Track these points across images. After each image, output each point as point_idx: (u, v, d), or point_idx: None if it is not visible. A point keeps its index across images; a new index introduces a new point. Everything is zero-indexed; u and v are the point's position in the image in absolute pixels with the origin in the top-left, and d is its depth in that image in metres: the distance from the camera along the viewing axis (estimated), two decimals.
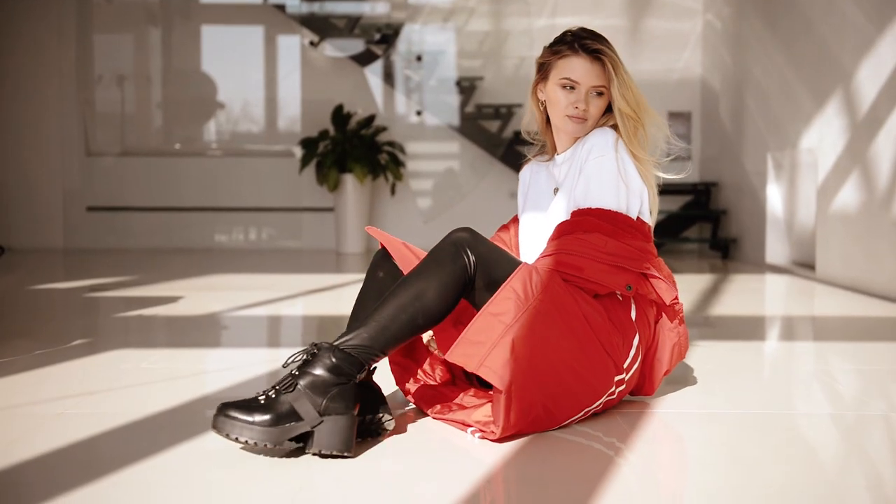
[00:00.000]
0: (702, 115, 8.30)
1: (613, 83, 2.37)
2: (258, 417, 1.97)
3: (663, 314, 2.43)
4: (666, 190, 8.05)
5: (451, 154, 8.49)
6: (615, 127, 2.42)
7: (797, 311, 4.76)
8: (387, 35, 8.24)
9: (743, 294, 5.22)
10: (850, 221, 5.32)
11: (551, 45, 2.48)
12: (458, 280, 2.16)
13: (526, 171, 2.67)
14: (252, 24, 8.50)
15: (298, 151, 8.17)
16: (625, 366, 2.28)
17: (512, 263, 2.20)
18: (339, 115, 7.95)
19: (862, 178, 5.16)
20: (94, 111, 8.40)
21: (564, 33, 2.47)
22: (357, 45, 8.29)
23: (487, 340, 2.05)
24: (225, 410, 1.98)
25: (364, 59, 8.33)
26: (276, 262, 7.00)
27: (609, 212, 2.30)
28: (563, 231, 2.31)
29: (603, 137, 2.37)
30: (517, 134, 7.58)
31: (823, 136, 5.69)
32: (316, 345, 2.09)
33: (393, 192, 8.09)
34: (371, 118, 8.02)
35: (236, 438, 1.95)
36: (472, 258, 2.17)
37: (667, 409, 2.46)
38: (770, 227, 6.74)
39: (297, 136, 8.37)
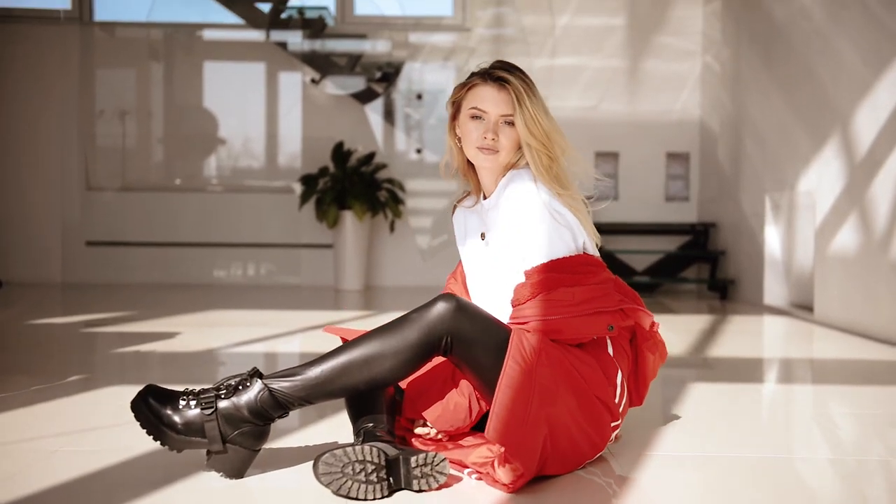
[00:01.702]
0: (700, 156, 8.33)
1: (517, 113, 2.29)
2: (168, 418, 2.06)
3: (636, 333, 2.41)
4: (664, 230, 8.12)
5: (450, 192, 8.51)
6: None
7: (795, 354, 4.75)
8: (388, 73, 8.29)
9: (741, 335, 5.21)
10: (849, 264, 5.32)
11: (466, 79, 2.41)
12: (420, 356, 2.14)
13: (459, 214, 2.56)
14: (254, 61, 8.55)
15: (298, 188, 8.18)
16: (615, 404, 2.27)
17: (497, 331, 2.17)
18: (340, 152, 7.97)
19: (860, 220, 5.18)
20: (95, 145, 8.42)
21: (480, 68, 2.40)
22: (358, 83, 8.34)
23: (512, 417, 2.02)
24: (146, 396, 2.08)
25: (365, 96, 8.37)
26: (275, 298, 6.99)
27: (561, 260, 2.23)
28: (526, 295, 2.22)
29: (520, 183, 2.28)
30: None
31: (821, 178, 5.71)
32: (253, 374, 2.12)
33: (392, 229, 8.10)
34: (371, 155, 8.05)
35: (145, 431, 2.06)
36: (448, 339, 2.13)
37: (663, 452, 2.45)
38: (768, 269, 6.74)
39: (297, 173, 8.38)
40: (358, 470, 1.97)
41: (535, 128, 2.29)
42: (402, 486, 2.03)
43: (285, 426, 2.64)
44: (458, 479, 2.13)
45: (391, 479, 2.01)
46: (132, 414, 2.08)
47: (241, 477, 2.11)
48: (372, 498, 1.97)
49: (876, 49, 5.05)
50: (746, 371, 4.00)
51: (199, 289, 7.78)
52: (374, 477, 1.98)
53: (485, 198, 2.44)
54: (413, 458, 2.01)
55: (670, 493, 2.15)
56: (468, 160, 2.42)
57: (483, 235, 2.43)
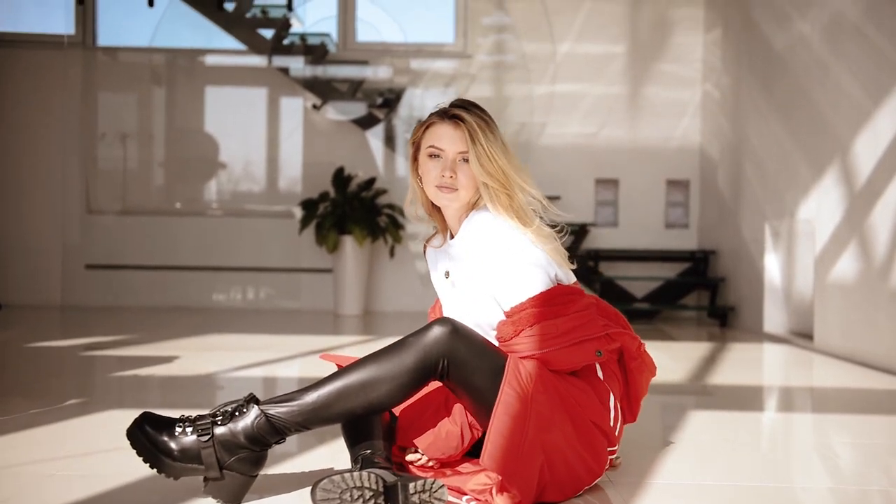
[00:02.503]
0: (700, 183, 8.35)
1: (470, 151, 2.28)
2: (164, 445, 2.05)
3: (623, 354, 2.40)
4: (664, 257, 8.13)
5: None
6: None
7: (795, 382, 4.74)
8: (389, 99, 8.32)
9: (741, 363, 5.20)
10: (848, 292, 5.32)
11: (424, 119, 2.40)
12: (417, 379, 2.12)
13: (430, 252, 2.58)
14: (255, 86, 8.58)
15: (298, 212, 8.19)
16: (611, 428, 2.27)
17: (494, 358, 2.16)
18: (340, 178, 7.99)
19: (860, 248, 5.18)
20: (96, 168, 8.44)
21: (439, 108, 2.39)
22: (359, 109, 8.37)
23: (508, 444, 2.01)
24: (142, 423, 2.07)
25: (366, 122, 8.40)
26: (274, 323, 6.99)
27: (540, 295, 2.21)
28: (510, 333, 2.21)
29: (482, 221, 2.28)
30: None
31: (821, 206, 5.72)
32: (250, 400, 2.11)
33: (392, 254, 8.10)
34: (371, 181, 8.06)
35: (142, 459, 2.06)
36: (444, 362, 2.12)
37: (662, 481, 2.44)
38: (768, 296, 6.74)
39: (297, 197, 8.39)
40: (356, 496, 1.95)
41: (490, 165, 2.27)
42: None
43: (283, 451, 2.63)
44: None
45: None
46: (128, 441, 2.07)
47: (239, 503, 2.09)
48: None
49: (875, 78, 5.07)
50: (746, 399, 3.99)
51: (199, 312, 7.77)
52: (371, 503, 1.97)
53: (451, 237, 2.44)
54: (411, 485, 2.00)
55: None
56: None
57: (447, 274, 2.43)
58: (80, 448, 2.64)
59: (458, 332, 2.15)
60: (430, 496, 2.01)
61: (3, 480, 2.29)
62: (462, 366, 2.13)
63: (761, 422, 3.51)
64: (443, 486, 2.03)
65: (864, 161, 5.17)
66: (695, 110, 8.37)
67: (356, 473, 1.97)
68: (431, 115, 2.37)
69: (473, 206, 2.37)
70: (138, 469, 2.35)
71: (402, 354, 2.13)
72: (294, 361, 4.85)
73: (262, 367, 4.58)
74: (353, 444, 2.22)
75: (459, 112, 2.31)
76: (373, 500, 1.96)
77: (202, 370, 4.33)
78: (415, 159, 2.41)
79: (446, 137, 2.31)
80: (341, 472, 1.98)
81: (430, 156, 2.33)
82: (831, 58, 5.64)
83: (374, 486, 1.97)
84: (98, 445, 2.67)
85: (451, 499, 2.15)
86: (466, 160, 2.30)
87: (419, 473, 2.29)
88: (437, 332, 2.14)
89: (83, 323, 6.80)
